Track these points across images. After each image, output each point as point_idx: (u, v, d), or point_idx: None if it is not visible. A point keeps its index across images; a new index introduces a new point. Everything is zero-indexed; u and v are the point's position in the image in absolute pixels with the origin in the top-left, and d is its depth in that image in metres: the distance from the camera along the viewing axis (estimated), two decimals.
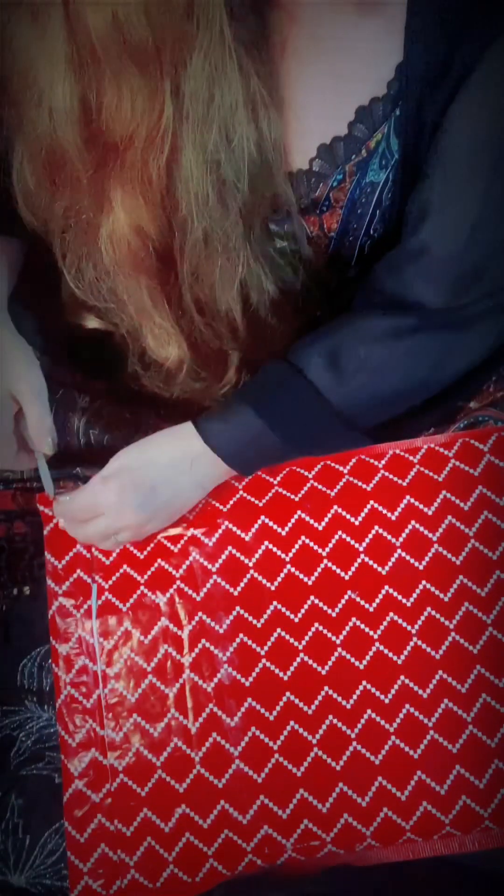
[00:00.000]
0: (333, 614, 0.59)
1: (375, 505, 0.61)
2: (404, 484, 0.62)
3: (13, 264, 0.65)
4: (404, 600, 0.59)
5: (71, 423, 0.70)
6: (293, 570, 0.60)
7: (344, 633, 0.59)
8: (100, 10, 0.45)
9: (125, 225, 0.54)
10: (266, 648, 0.59)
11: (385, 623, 0.59)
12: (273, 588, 0.60)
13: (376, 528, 0.61)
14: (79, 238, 0.56)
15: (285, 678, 0.58)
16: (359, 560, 0.60)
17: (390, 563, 0.60)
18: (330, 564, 0.60)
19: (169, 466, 0.60)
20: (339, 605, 0.59)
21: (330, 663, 0.58)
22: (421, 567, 0.60)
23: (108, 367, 0.70)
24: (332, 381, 0.59)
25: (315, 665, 0.58)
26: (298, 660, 0.58)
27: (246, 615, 0.59)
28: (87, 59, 0.47)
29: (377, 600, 0.59)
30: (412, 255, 0.60)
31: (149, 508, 0.59)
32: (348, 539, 0.61)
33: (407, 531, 0.60)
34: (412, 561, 0.60)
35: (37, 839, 0.62)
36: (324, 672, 0.58)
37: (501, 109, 0.54)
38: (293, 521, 0.61)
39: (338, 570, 0.60)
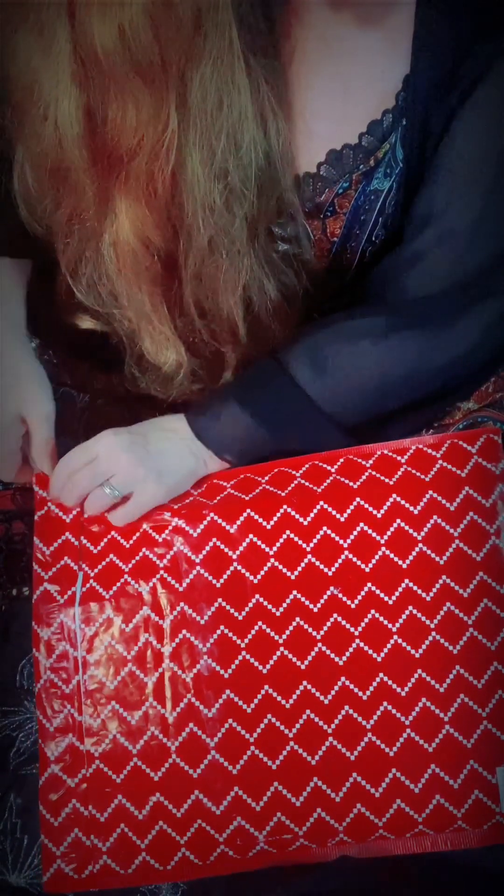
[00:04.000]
0: (315, 609, 0.59)
1: (361, 502, 0.61)
2: (391, 483, 0.62)
3: (27, 286, 0.66)
4: (386, 598, 0.59)
5: (71, 423, 0.70)
6: (277, 563, 0.60)
7: (325, 628, 0.59)
8: (106, 25, 0.45)
9: (129, 233, 0.54)
10: (246, 641, 0.59)
11: (366, 620, 0.59)
12: (256, 581, 0.60)
13: (361, 525, 0.61)
14: (81, 244, 0.57)
15: (264, 671, 0.58)
16: (342, 557, 0.60)
17: (374, 561, 0.60)
18: (313, 560, 0.60)
19: (163, 430, 0.62)
20: (321, 601, 0.59)
21: (309, 658, 0.58)
22: (404, 565, 0.60)
23: (108, 366, 0.70)
24: (314, 377, 0.60)
25: (294, 659, 0.58)
26: (278, 653, 0.59)
27: (227, 607, 0.59)
28: (93, 74, 0.47)
29: (359, 597, 0.59)
30: (411, 260, 0.60)
31: (140, 450, 0.60)
32: (333, 535, 0.61)
33: (392, 529, 0.60)
34: (396, 559, 0.60)
35: (35, 839, 0.62)
36: (303, 667, 0.58)
37: None
38: (279, 515, 0.61)
39: (321, 566, 0.60)
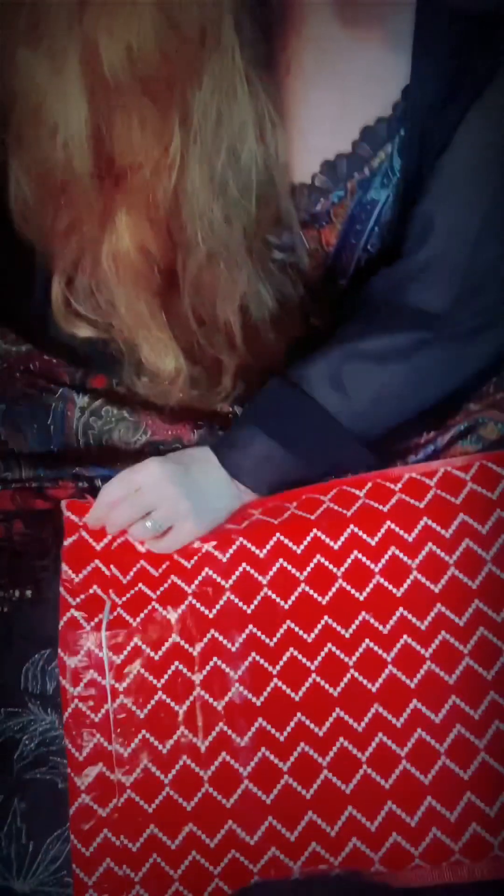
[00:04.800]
0: (347, 635, 0.59)
1: (392, 526, 0.61)
2: (421, 506, 0.61)
3: None
4: (419, 623, 0.59)
5: (71, 423, 0.69)
6: (307, 589, 0.60)
7: (357, 654, 0.58)
8: (114, 44, 0.45)
9: (129, 244, 0.54)
10: (278, 668, 0.58)
11: (399, 646, 0.58)
12: (287, 607, 0.59)
13: (392, 549, 0.60)
14: (79, 254, 0.57)
15: (297, 699, 0.58)
16: (374, 581, 0.60)
17: (405, 586, 0.59)
18: (345, 584, 0.60)
19: (199, 462, 0.62)
20: (353, 626, 0.59)
21: (342, 685, 0.58)
22: (436, 590, 0.59)
23: (107, 369, 0.69)
24: (340, 401, 0.60)
25: (327, 686, 0.58)
26: (310, 680, 0.58)
27: (258, 633, 0.59)
28: (101, 93, 0.47)
29: (391, 622, 0.59)
30: (415, 270, 0.60)
31: (184, 483, 0.59)
32: (364, 559, 0.60)
33: (423, 553, 0.60)
34: (428, 584, 0.59)
35: (40, 845, 0.61)
36: (336, 694, 0.58)
37: None
38: (309, 539, 0.61)
39: (352, 591, 0.60)
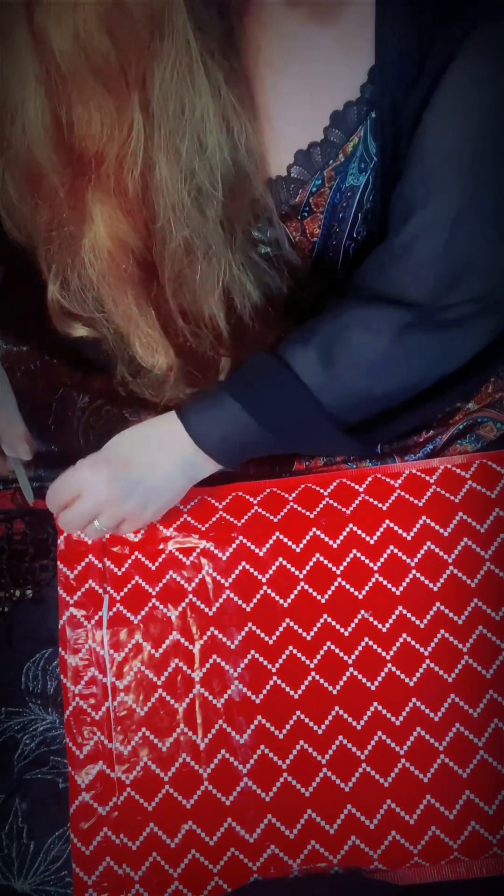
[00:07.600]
0: (346, 633, 0.59)
1: (391, 524, 0.61)
2: (420, 504, 0.61)
3: None
4: (418, 622, 0.59)
5: (71, 423, 0.69)
6: (307, 587, 0.60)
7: (356, 652, 0.58)
8: (62, 28, 0.45)
9: (106, 236, 0.54)
10: (277, 666, 0.58)
11: (398, 644, 0.58)
12: (286, 605, 0.60)
13: (391, 547, 0.60)
14: (62, 250, 0.57)
15: (296, 696, 0.58)
16: (373, 579, 0.60)
17: (404, 584, 0.60)
18: (344, 583, 0.60)
19: (145, 444, 0.59)
20: (352, 625, 0.59)
21: (341, 683, 0.58)
22: (435, 588, 0.59)
23: (106, 368, 0.70)
24: (324, 378, 0.58)
25: (326, 684, 0.58)
26: (309, 678, 0.58)
27: (258, 631, 0.59)
28: (55, 78, 0.47)
29: (390, 621, 0.59)
30: (396, 253, 0.59)
31: (122, 482, 0.58)
32: (363, 558, 0.60)
33: (422, 552, 0.60)
34: (427, 582, 0.60)
35: (41, 845, 0.61)
36: (335, 692, 0.58)
37: (478, 107, 0.54)
38: (308, 537, 0.61)
39: (351, 589, 0.60)
